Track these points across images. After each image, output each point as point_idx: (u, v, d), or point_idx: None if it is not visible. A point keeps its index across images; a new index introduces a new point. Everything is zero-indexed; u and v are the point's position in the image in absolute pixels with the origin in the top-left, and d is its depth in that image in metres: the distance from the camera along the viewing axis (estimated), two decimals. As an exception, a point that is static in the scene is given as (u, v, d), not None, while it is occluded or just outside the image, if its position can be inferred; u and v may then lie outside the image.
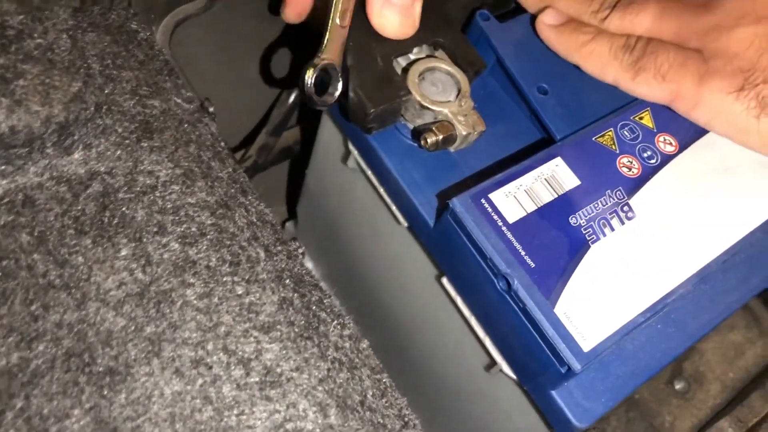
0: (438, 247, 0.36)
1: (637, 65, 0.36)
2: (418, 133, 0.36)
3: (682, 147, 0.36)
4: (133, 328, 0.29)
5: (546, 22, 0.38)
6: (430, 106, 0.35)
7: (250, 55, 0.54)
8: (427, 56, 0.37)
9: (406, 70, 0.36)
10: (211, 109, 0.36)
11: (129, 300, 0.29)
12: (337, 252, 0.53)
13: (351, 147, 0.40)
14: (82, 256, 0.29)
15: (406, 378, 0.53)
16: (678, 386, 0.51)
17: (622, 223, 0.33)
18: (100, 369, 0.28)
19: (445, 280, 0.37)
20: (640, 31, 0.37)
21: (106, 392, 0.27)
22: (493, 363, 0.37)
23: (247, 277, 0.30)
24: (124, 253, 0.30)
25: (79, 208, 0.30)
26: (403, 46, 0.36)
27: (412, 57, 0.36)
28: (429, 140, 0.34)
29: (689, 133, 0.37)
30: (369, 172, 0.39)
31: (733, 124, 0.35)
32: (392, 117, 0.36)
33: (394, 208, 0.38)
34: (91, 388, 0.27)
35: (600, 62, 0.37)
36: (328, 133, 0.45)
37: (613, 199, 0.34)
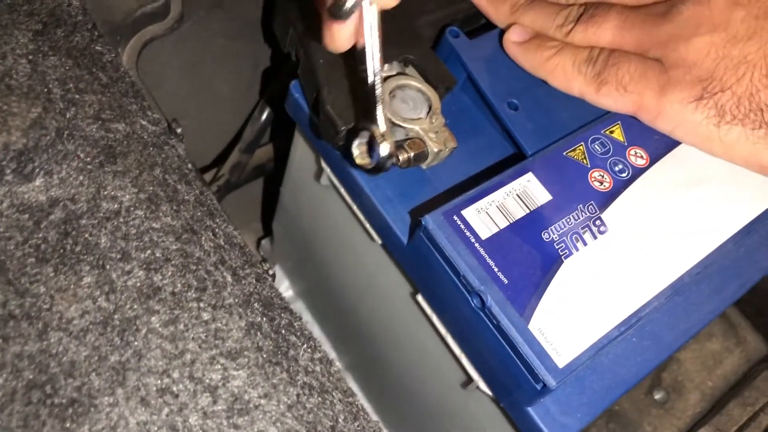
0: (412, 264, 0.36)
1: (600, 78, 0.36)
2: (389, 151, 0.35)
3: (653, 160, 0.36)
4: (96, 357, 0.28)
5: (512, 40, 0.38)
6: (401, 124, 0.35)
7: (220, 73, 0.54)
8: (398, 73, 0.36)
9: (376, 87, 0.35)
10: (179, 130, 0.36)
11: (92, 329, 0.28)
12: (312, 268, 0.53)
13: (323, 164, 0.40)
14: (44, 285, 0.29)
15: (383, 395, 0.52)
16: (657, 396, 0.51)
17: (595, 237, 0.33)
18: (63, 401, 0.27)
19: (419, 297, 0.37)
20: (603, 42, 0.37)
21: (68, 424, 0.27)
22: (469, 380, 0.36)
23: (213, 303, 0.29)
24: (87, 280, 0.29)
25: (41, 235, 0.29)
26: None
27: (382, 74, 0.36)
28: (401, 157, 0.34)
29: (660, 146, 0.37)
30: (342, 189, 0.39)
31: (695, 132, 0.35)
32: (363, 134, 0.35)
33: (367, 225, 0.38)
34: (53, 420, 0.27)
35: (565, 76, 0.37)
36: (301, 150, 0.45)
37: (585, 214, 0.34)
